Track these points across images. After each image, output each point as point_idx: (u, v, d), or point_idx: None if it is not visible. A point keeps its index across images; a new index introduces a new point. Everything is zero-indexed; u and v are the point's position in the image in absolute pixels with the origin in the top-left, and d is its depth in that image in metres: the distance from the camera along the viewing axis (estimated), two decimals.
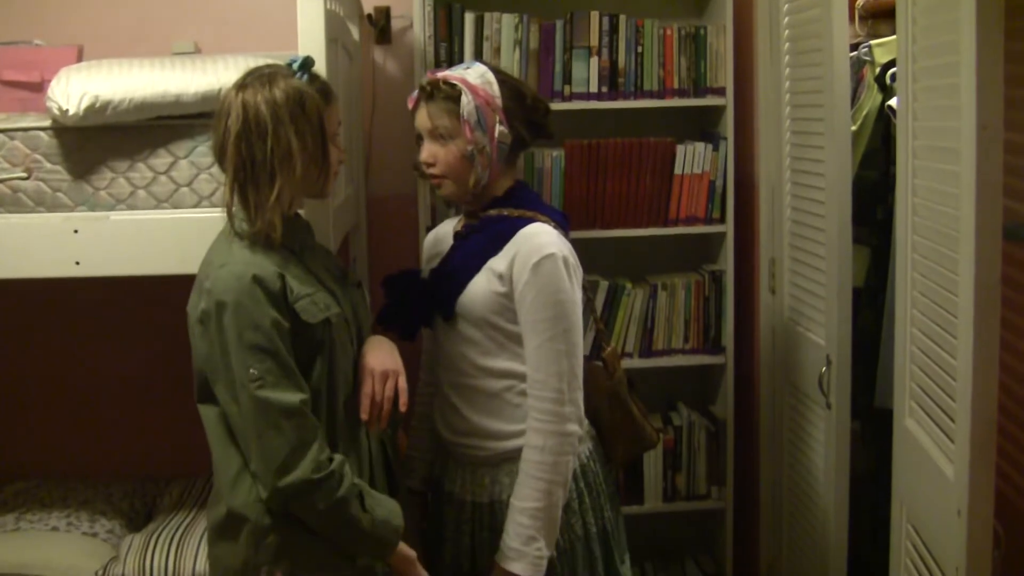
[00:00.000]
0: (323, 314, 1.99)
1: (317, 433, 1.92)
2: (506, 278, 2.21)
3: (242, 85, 1.98)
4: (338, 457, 1.95)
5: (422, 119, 2.29)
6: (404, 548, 2.06)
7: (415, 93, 2.32)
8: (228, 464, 1.97)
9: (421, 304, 2.36)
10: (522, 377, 2.24)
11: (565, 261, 2.20)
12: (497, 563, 2.19)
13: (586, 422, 2.33)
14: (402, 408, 2.10)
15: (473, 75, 2.26)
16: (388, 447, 2.20)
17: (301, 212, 2.18)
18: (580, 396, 2.22)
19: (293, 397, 1.90)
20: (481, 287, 2.24)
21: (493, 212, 2.31)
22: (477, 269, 2.26)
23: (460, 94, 2.22)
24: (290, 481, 1.88)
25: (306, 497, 1.91)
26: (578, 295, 2.23)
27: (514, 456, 2.24)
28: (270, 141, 1.93)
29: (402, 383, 2.10)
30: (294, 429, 1.89)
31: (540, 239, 2.21)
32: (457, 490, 2.35)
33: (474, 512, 2.32)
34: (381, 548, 2.03)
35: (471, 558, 2.32)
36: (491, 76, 2.27)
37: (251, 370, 1.88)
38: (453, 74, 2.27)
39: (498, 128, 2.24)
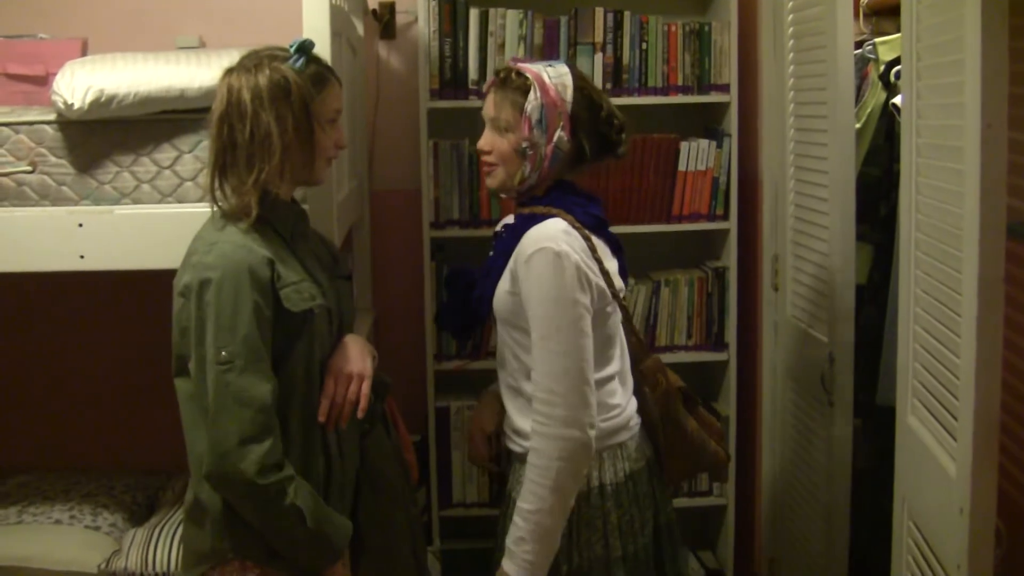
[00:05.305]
0: (306, 304, 1.98)
1: (272, 432, 1.90)
2: (513, 277, 2.16)
3: (230, 70, 2.01)
4: (287, 471, 1.91)
5: (488, 106, 2.24)
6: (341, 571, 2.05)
7: (492, 78, 2.28)
8: (196, 447, 1.97)
9: (476, 305, 2.31)
10: None
11: (559, 255, 2.07)
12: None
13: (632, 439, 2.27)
14: (359, 415, 2.07)
15: (552, 73, 2.19)
16: (377, 441, 2.19)
17: (297, 199, 2.18)
18: (583, 400, 2.08)
19: (257, 388, 1.88)
20: (501, 287, 2.21)
21: (526, 210, 2.23)
22: (503, 269, 2.21)
23: (530, 88, 2.16)
24: (228, 470, 1.87)
25: (239, 493, 1.90)
26: (579, 292, 2.09)
27: None
28: (249, 125, 1.94)
29: (365, 388, 2.07)
30: (249, 420, 1.87)
31: (539, 233, 2.12)
32: (509, 485, 2.30)
33: (510, 508, 2.23)
34: (313, 562, 2.01)
35: None
36: (569, 80, 2.20)
37: (223, 352, 1.87)
38: (531, 67, 2.20)
39: (558, 133, 2.17)
